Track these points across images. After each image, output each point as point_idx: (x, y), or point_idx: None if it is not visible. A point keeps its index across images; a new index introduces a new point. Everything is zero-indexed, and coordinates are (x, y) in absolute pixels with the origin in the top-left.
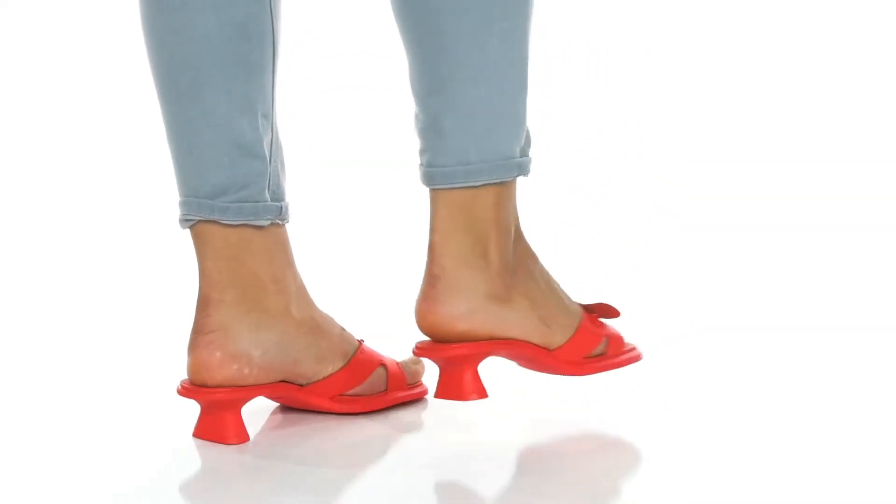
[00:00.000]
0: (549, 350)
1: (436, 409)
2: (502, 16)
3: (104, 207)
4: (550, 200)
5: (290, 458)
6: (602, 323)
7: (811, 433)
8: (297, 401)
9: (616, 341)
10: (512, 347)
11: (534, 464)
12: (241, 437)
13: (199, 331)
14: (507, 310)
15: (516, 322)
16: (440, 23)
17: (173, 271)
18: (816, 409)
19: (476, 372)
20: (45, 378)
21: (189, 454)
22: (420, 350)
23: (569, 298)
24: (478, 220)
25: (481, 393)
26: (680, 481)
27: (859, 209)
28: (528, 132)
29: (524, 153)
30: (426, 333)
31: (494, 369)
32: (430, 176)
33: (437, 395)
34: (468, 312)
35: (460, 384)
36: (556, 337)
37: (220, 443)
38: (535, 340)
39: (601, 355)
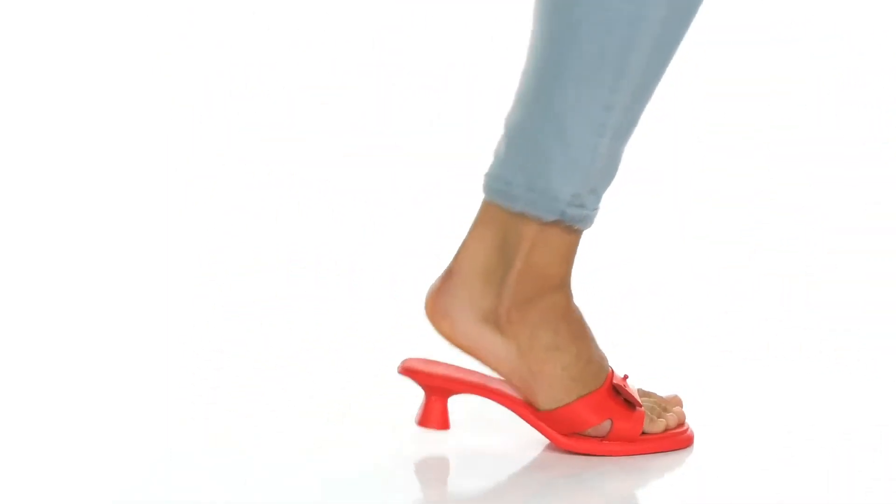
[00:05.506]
0: (535, 410)
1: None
2: (595, 74)
3: (100, 207)
4: None
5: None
6: (611, 406)
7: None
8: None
9: (628, 428)
10: (486, 394)
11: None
12: (444, 424)
13: None
14: (495, 340)
15: (500, 356)
16: (539, 47)
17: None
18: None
19: (444, 403)
20: (39, 379)
21: (184, 457)
22: (403, 369)
23: (587, 378)
24: (509, 244)
25: (441, 425)
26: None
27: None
28: (597, 188)
29: (580, 203)
30: (425, 314)
31: None
32: (483, 181)
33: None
34: (458, 318)
35: (424, 410)
36: (539, 398)
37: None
38: (515, 382)
39: (597, 437)
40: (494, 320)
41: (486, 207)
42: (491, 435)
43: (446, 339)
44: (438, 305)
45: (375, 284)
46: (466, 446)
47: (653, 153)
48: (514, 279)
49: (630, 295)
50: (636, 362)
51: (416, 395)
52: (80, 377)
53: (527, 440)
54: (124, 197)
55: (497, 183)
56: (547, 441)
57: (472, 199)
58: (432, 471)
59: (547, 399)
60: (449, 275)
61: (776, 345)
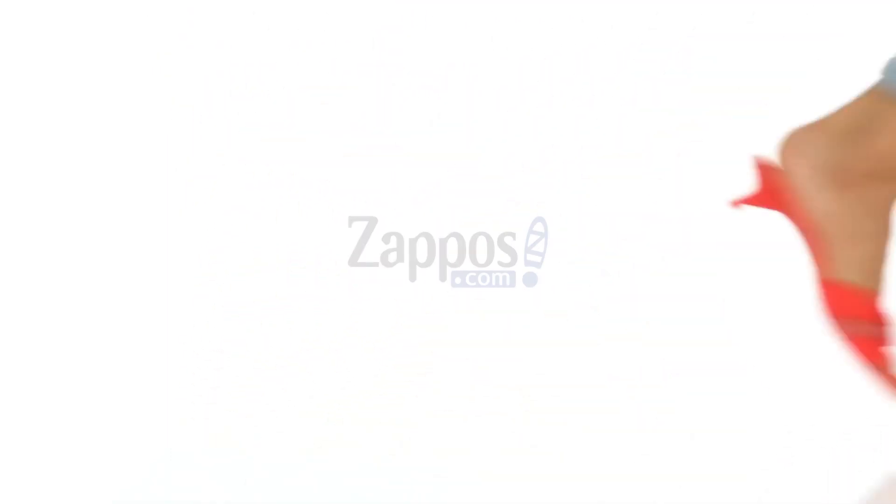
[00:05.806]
0: (820, 273)
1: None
2: None
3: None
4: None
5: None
6: (875, 318)
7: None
8: None
9: (876, 350)
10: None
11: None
12: None
13: None
14: (826, 191)
15: (820, 205)
16: None
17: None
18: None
19: (774, 171)
20: (39, 378)
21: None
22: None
23: (874, 278)
24: (879, 122)
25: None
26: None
27: None
28: None
29: None
30: (780, 142)
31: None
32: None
33: None
34: (804, 154)
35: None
36: (836, 262)
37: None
38: (816, 234)
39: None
40: (840, 176)
41: (875, 85)
42: (488, 434)
43: (784, 165)
44: (795, 137)
45: (375, 285)
46: (466, 445)
47: (749, 148)
48: (876, 151)
49: (644, 289)
50: (635, 361)
51: (416, 396)
52: (80, 377)
53: (519, 438)
54: (124, 197)
55: (891, 65)
56: (543, 442)
57: (471, 199)
58: (432, 471)
59: (842, 267)
60: (819, 122)
61: (776, 344)
